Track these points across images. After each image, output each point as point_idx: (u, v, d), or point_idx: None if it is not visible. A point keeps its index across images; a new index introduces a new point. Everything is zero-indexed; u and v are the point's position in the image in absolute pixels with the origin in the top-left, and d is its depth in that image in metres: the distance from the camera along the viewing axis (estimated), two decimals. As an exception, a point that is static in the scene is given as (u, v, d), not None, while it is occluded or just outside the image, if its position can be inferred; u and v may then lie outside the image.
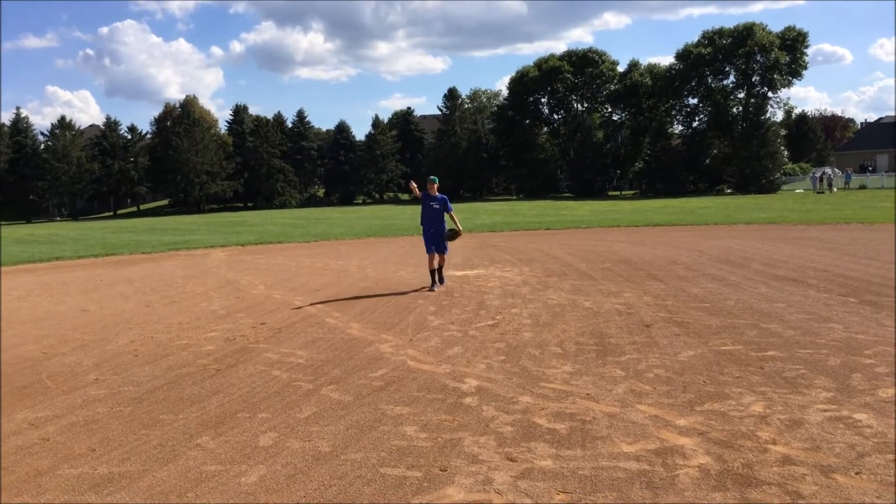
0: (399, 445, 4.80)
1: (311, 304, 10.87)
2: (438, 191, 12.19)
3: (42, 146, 75.93)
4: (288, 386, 6.38)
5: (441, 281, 12.11)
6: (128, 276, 16.11)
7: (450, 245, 12.36)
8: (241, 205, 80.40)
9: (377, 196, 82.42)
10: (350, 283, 13.28)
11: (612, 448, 4.60)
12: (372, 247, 21.90)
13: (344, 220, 39.40)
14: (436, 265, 11.99)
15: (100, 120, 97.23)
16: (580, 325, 8.47)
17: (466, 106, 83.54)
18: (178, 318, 10.16)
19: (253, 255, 20.44)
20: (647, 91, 73.16)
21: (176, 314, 10.56)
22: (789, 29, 67.41)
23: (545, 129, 79.90)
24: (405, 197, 79.69)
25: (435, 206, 11.95)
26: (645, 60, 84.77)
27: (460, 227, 12.19)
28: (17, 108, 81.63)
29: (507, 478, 4.22)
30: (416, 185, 12.35)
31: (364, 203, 78.12)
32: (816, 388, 5.66)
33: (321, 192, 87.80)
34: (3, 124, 75.55)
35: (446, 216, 11.99)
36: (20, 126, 76.94)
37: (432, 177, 12.48)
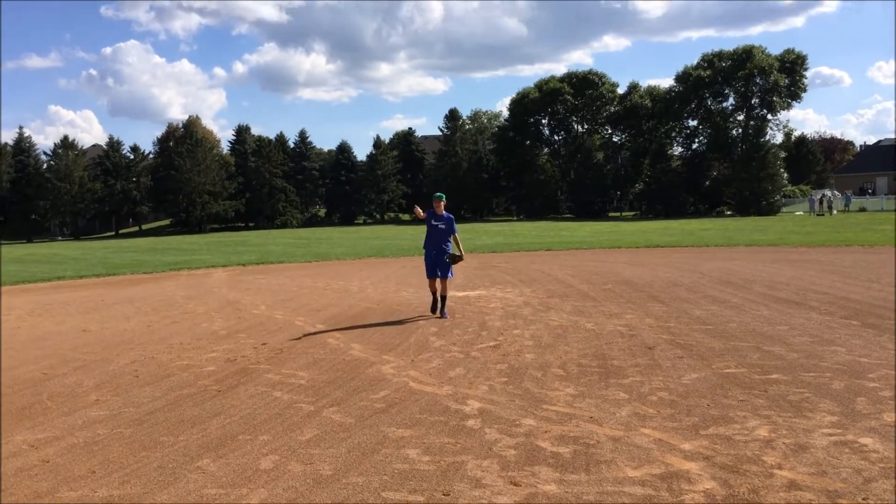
0: (401, 469, 4.77)
1: (313, 325, 10.84)
2: (445, 209, 11.31)
3: (44, 166, 76.14)
4: (289, 407, 6.34)
5: (443, 314, 11.03)
6: (129, 296, 16.09)
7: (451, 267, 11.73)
8: (243, 224, 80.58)
9: (378, 216, 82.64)
10: (351, 303, 13.25)
11: (617, 472, 4.56)
12: (373, 267, 21.90)
13: (345, 240, 39.44)
14: (437, 288, 11.17)
15: (102, 140, 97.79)
16: (582, 347, 8.44)
17: (467, 127, 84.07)
18: (179, 339, 10.13)
19: (254, 275, 20.43)
20: (646, 113, 73.66)
21: (177, 334, 10.53)
22: (788, 52, 67.99)
23: (545, 149, 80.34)
24: (406, 217, 79.85)
25: (441, 226, 11.07)
26: (644, 82, 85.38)
27: (463, 253, 11.39)
28: (20, 128, 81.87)
29: (510, 502, 4.18)
30: (420, 210, 11.28)
31: (365, 223, 78.27)
32: (821, 412, 5.63)
33: (322, 212, 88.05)
34: (6, 144, 75.87)
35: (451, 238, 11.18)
36: (23, 146, 77.21)
37: (438, 193, 11.48)
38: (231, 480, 4.68)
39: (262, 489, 4.51)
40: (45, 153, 78.11)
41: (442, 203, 11.21)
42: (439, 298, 11.22)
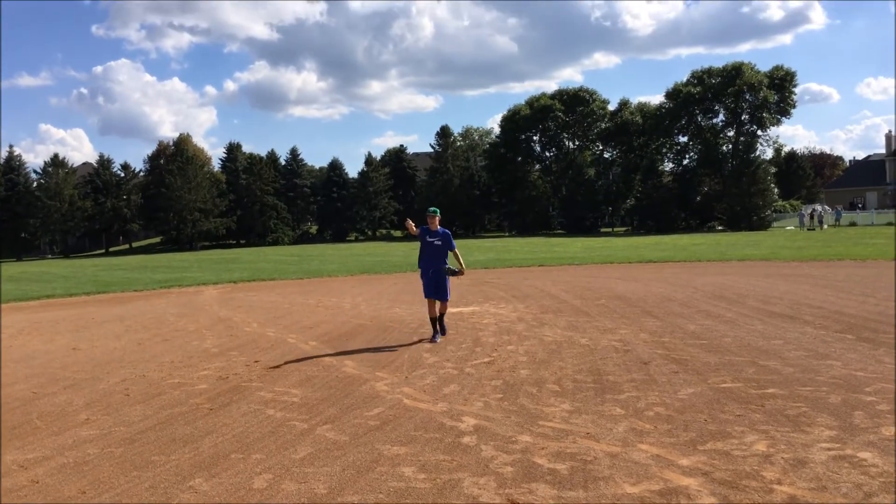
0: (397, 487, 4.70)
1: (305, 342, 10.76)
2: (440, 224, 10.61)
3: (34, 184, 75.91)
4: (282, 425, 6.26)
5: (443, 331, 10.53)
6: (119, 315, 15.96)
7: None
8: (234, 242, 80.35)
9: (370, 233, 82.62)
10: (344, 320, 13.18)
11: (615, 489, 4.51)
12: (365, 283, 21.82)
13: (337, 257, 39.35)
14: (437, 313, 10.44)
15: (93, 158, 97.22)
16: (577, 363, 8.39)
17: (459, 143, 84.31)
18: (170, 357, 10.03)
19: (246, 293, 20.32)
20: (637, 129, 74.14)
21: (168, 352, 10.43)
22: (777, 69, 68.64)
23: (537, 166, 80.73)
24: (398, 234, 79.85)
25: (436, 242, 10.31)
26: (635, 99, 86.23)
27: (464, 268, 10.65)
28: (10, 147, 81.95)
29: (508, 520, 4.12)
30: (412, 224, 10.26)
31: (356, 240, 78.17)
32: (819, 427, 5.60)
33: (314, 229, 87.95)
34: (-4, 162, 75.61)
35: (449, 254, 10.44)
36: (13, 164, 76.90)
37: (432, 208, 10.71)
38: (224, 500, 4.60)
39: (255, 509, 4.44)
40: (35, 171, 78.07)
41: (436, 219, 10.50)
42: (437, 317, 10.55)
